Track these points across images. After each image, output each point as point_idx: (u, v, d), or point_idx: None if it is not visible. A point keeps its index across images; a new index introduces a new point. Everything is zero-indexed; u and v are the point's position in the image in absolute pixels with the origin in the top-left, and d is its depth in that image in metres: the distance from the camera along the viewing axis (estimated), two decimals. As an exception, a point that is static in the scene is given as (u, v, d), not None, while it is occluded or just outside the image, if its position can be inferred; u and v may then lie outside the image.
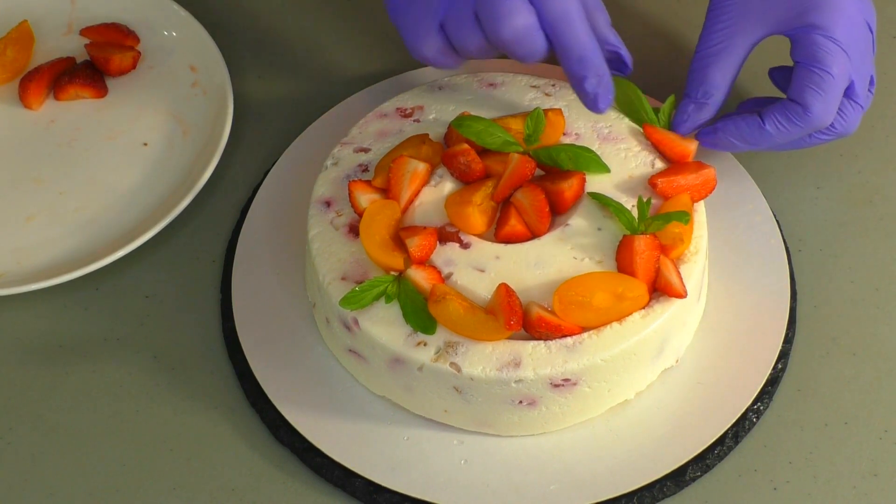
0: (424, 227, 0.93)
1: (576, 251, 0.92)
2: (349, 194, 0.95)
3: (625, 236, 0.92)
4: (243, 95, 1.14)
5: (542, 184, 0.95)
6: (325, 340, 0.97)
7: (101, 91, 1.12)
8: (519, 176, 0.94)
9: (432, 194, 0.95)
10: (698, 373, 0.96)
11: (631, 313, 0.90)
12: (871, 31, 0.99)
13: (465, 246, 0.93)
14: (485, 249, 0.93)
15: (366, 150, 0.99)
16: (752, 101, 1.03)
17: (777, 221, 1.04)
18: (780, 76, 1.02)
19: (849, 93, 0.98)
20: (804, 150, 1.10)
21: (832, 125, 0.98)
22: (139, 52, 1.15)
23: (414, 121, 1.01)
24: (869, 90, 1.00)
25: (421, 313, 0.89)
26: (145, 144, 1.10)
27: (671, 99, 1.00)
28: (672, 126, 1.00)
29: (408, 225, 0.94)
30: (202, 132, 1.10)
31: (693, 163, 0.98)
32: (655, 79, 1.14)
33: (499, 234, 0.94)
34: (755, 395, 0.94)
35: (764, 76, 1.05)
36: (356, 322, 0.91)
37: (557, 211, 0.95)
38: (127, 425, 0.95)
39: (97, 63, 1.13)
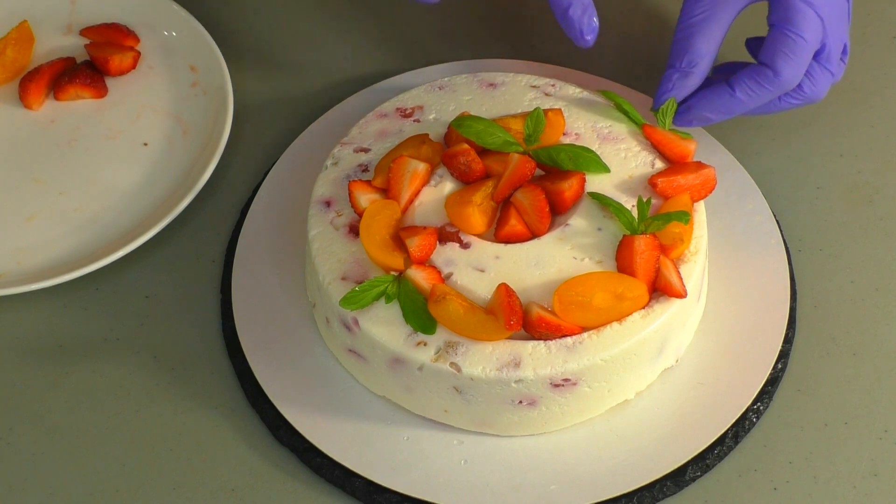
0: (424, 227, 0.93)
1: (576, 251, 0.92)
2: (349, 194, 0.95)
3: (625, 236, 0.92)
4: (243, 95, 1.14)
5: (542, 184, 0.95)
6: (325, 340, 0.97)
7: (101, 91, 1.12)
8: (519, 176, 0.94)
9: (432, 194, 0.95)
10: (698, 373, 0.96)
11: (631, 313, 0.90)
12: (848, 1, 1.00)
13: (465, 246, 0.93)
14: (485, 249, 0.93)
15: (366, 150, 0.99)
16: (720, 69, 1.03)
17: (777, 221, 1.04)
18: (757, 47, 1.02)
19: (821, 58, 0.98)
20: (804, 149, 1.10)
21: (801, 88, 0.99)
22: (139, 52, 1.15)
23: (414, 121, 1.01)
24: (842, 59, 1.01)
25: (421, 313, 0.89)
26: (145, 144, 1.10)
27: (671, 101, 1.00)
28: (656, 96, 1.00)
29: (408, 225, 0.94)
30: (202, 132, 1.10)
31: (693, 163, 0.97)
32: (655, 79, 1.14)
33: (499, 234, 0.94)
34: (755, 395, 0.94)
35: (739, 45, 1.05)
36: (356, 322, 0.91)
37: (557, 211, 0.95)
38: (127, 425, 0.95)
39: (97, 63, 1.13)
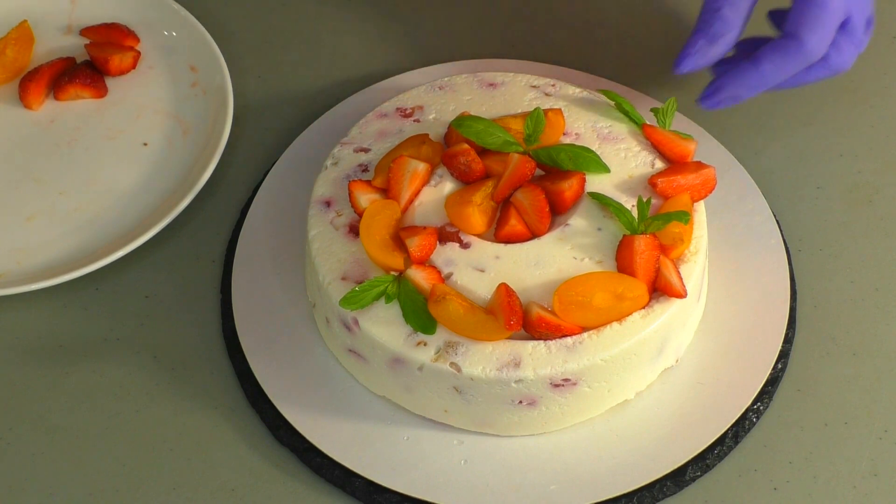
0: (424, 227, 0.93)
1: (576, 251, 0.92)
2: (349, 194, 0.95)
3: (625, 236, 0.92)
4: (243, 95, 1.14)
5: (542, 184, 0.95)
6: (325, 340, 0.97)
7: (101, 91, 1.12)
8: (519, 176, 0.94)
9: (432, 194, 0.95)
10: (698, 373, 0.96)
11: (631, 313, 0.90)
12: None
13: (465, 246, 0.93)
14: (485, 249, 0.93)
15: (366, 150, 0.99)
16: (741, 45, 1.02)
17: (777, 221, 1.04)
18: (781, 18, 1.01)
19: (846, 29, 0.98)
20: (804, 149, 1.10)
21: (828, 59, 0.98)
22: (139, 52, 1.15)
23: (414, 121, 1.01)
24: (866, 30, 1.00)
25: (421, 313, 0.89)
26: (145, 144, 1.10)
27: (672, 100, 1.00)
28: (677, 60, 0.99)
29: (408, 225, 0.94)
30: (202, 132, 1.10)
31: (693, 163, 0.97)
32: (655, 79, 1.14)
33: (499, 234, 0.94)
34: (755, 395, 0.94)
35: (760, 22, 1.05)
36: (356, 322, 0.91)
37: (557, 211, 0.95)
38: (127, 425, 0.95)
39: (97, 63, 1.13)
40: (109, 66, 1.13)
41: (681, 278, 0.91)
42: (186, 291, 1.02)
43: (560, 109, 1.00)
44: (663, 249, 0.92)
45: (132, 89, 1.13)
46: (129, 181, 1.07)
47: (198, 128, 1.10)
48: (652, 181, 0.95)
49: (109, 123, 1.11)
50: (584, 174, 0.95)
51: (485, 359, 0.89)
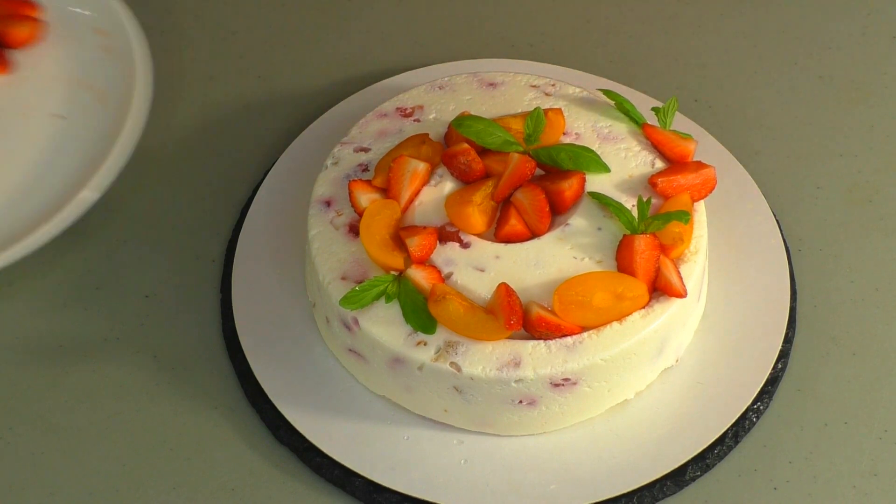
0: (424, 227, 0.93)
1: (576, 251, 0.92)
2: (349, 194, 0.95)
3: (625, 236, 0.92)
4: (243, 95, 1.14)
5: (542, 183, 0.95)
6: (325, 340, 0.97)
7: (5, 66, 1.08)
8: (519, 176, 0.94)
9: (432, 194, 0.96)
10: (698, 373, 0.96)
11: (631, 313, 0.90)
12: None
13: (465, 245, 0.93)
14: (485, 249, 0.93)
15: (366, 150, 0.99)
16: None
17: (777, 221, 1.04)
18: None
19: None
20: (804, 149, 1.10)
21: None
22: (41, 22, 1.09)
23: (414, 121, 1.01)
24: None
25: (421, 313, 0.89)
26: (62, 117, 1.06)
27: (672, 100, 1.00)
28: None
29: (408, 225, 0.94)
30: (119, 97, 1.05)
31: (693, 163, 0.97)
32: (655, 79, 1.14)
33: (499, 233, 0.94)
34: (755, 395, 0.94)
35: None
36: (356, 322, 0.91)
37: (557, 211, 0.95)
38: (127, 425, 0.95)
39: (-4, 36, 1.08)
40: (9, 38, 1.07)
41: (681, 278, 0.91)
42: (186, 291, 1.02)
43: (560, 109, 1.00)
44: (663, 249, 0.92)
45: (39, 60, 1.08)
46: (46, 155, 1.03)
47: (113, 93, 1.06)
48: (652, 181, 0.95)
49: (20, 98, 1.07)
50: (584, 174, 0.95)
51: (485, 358, 0.89)
